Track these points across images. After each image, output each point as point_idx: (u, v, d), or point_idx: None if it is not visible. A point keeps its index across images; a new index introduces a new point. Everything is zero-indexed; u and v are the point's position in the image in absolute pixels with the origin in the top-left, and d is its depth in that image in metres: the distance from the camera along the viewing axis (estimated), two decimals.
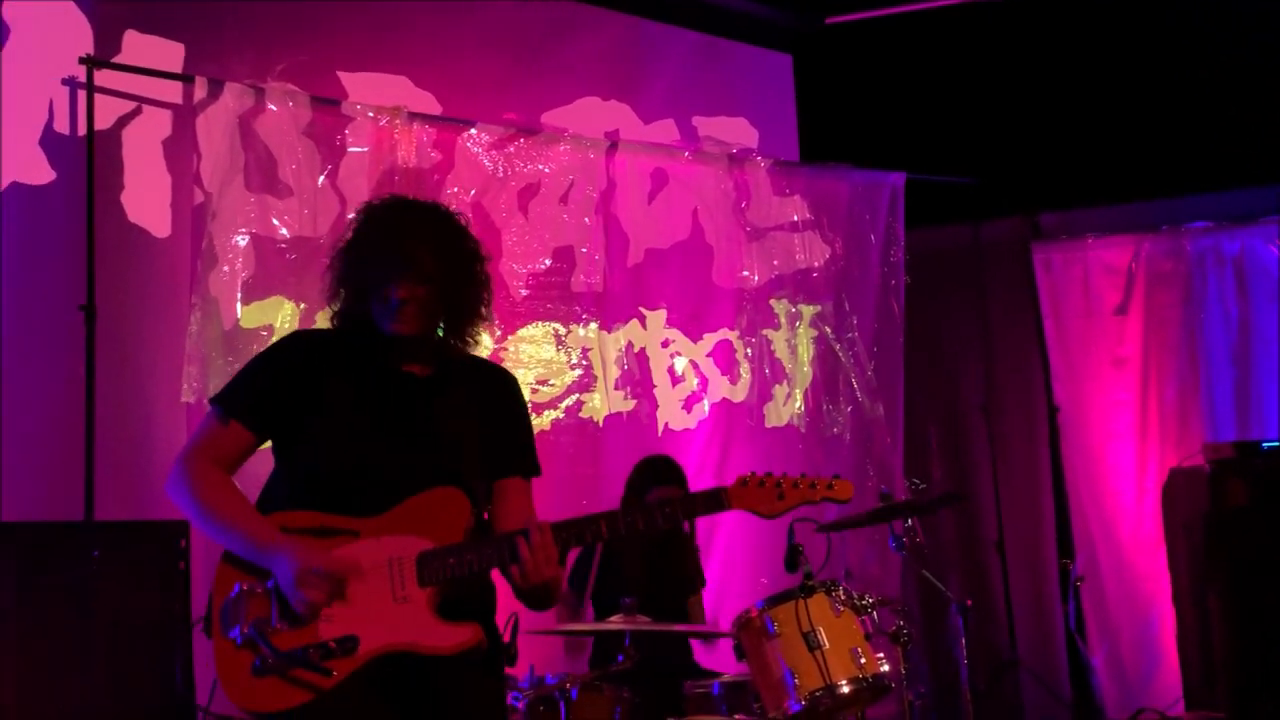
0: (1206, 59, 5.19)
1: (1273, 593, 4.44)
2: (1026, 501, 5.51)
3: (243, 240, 4.19)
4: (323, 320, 2.32)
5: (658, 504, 2.11)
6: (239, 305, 4.16)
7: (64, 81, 4.11)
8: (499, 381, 2.30)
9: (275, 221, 4.25)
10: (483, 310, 2.19)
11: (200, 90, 4.19)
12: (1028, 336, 5.61)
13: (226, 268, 4.15)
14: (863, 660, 3.01)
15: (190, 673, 3.91)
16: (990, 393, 5.46)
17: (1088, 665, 5.33)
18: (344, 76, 4.61)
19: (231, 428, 2.14)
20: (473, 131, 4.65)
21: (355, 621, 2.00)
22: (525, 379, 4.70)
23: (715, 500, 2.13)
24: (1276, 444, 4.81)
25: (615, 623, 3.29)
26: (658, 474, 4.14)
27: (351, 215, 2.25)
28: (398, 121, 4.46)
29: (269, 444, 2.23)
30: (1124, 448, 5.44)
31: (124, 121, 4.23)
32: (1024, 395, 5.61)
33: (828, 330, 5.23)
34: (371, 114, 4.42)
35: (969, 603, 3.85)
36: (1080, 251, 5.60)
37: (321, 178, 4.35)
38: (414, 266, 2.09)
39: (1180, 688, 5.07)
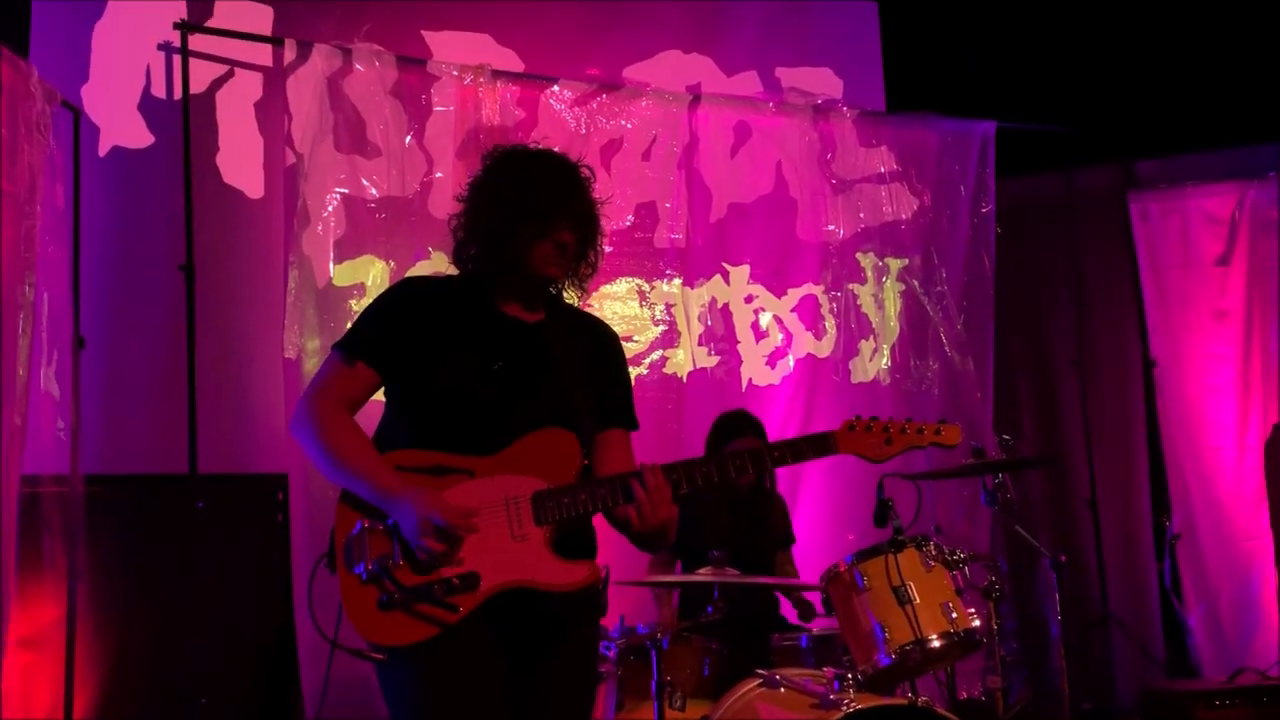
0: None
1: None
2: (1120, 458, 5.37)
3: (334, 200, 4.27)
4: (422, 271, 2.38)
5: (766, 448, 2.16)
6: (331, 264, 4.25)
7: (159, 47, 4.22)
8: (604, 335, 2.36)
9: (364, 182, 4.32)
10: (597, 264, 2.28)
11: (290, 52, 4.26)
12: (1123, 289, 5.44)
13: (319, 227, 4.24)
14: (954, 615, 2.98)
15: (291, 619, 4.06)
16: (1083, 347, 5.32)
17: (1183, 624, 5.22)
18: (428, 35, 4.65)
19: (357, 369, 2.18)
20: (555, 88, 4.65)
21: (476, 558, 2.04)
22: None
23: (823, 444, 2.18)
24: None
25: (704, 575, 3.31)
26: (734, 427, 4.13)
27: (489, 160, 2.28)
28: (481, 80, 4.48)
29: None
30: (1224, 403, 5.26)
31: (217, 85, 4.33)
32: (1118, 349, 5.46)
33: (915, 284, 5.14)
34: (456, 72, 4.45)
35: (1063, 558, 3.79)
36: (1179, 200, 5.39)
37: (408, 137, 4.40)
38: (579, 214, 2.18)
39: None
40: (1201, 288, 5.32)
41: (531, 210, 2.16)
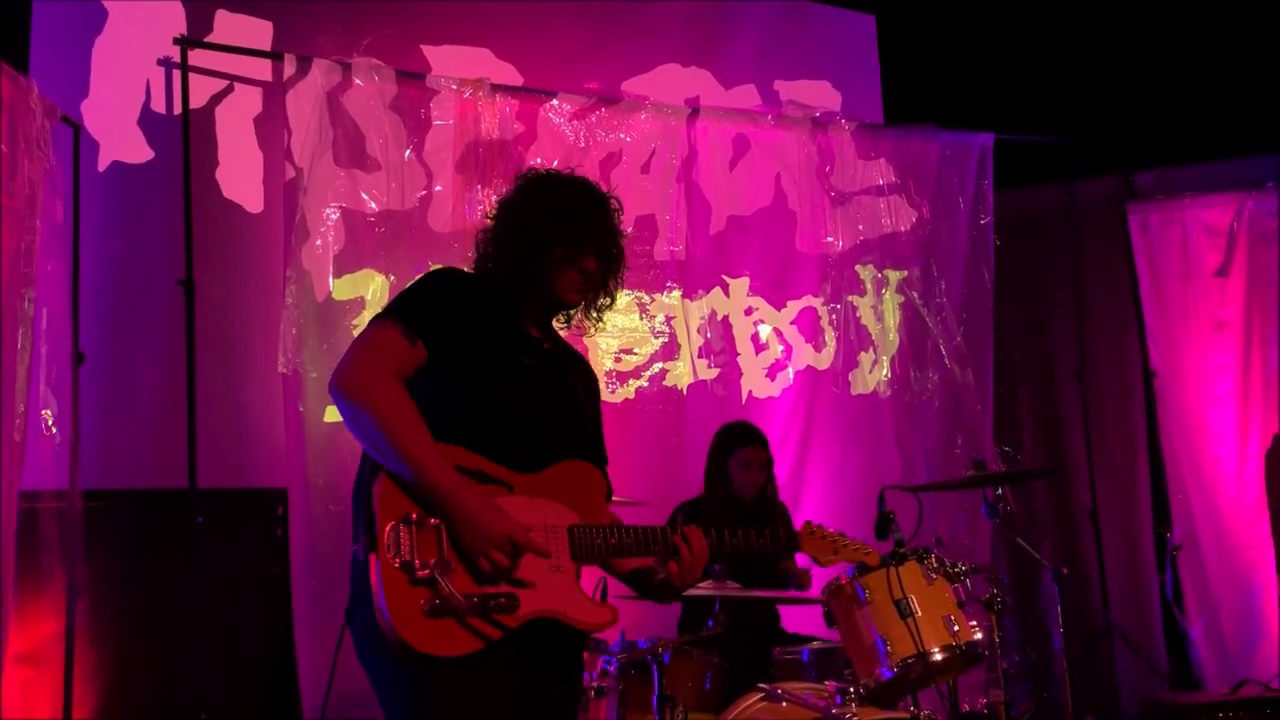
0: None
1: None
2: (1121, 469, 5.37)
3: (333, 214, 4.27)
4: None
5: (758, 530, 2.32)
6: (330, 278, 4.25)
7: (159, 62, 4.23)
8: (590, 369, 2.39)
9: (364, 195, 4.33)
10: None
11: (289, 67, 4.27)
12: (1123, 300, 5.44)
13: (319, 241, 4.24)
14: (956, 628, 2.97)
15: (290, 636, 4.05)
16: (1084, 358, 5.32)
17: (1185, 636, 5.20)
18: (427, 50, 4.66)
19: (416, 348, 2.06)
20: (554, 102, 4.66)
21: (519, 575, 1.99)
22: (609, 348, 4.73)
23: (792, 542, 2.43)
24: None
25: (705, 588, 3.30)
26: (741, 435, 4.13)
27: (524, 182, 2.28)
28: (481, 94, 4.49)
29: None
30: (1224, 413, 5.25)
31: (217, 100, 4.34)
32: (1119, 360, 5.45)
33: (915, 296, 5.14)
34: (455, 86, 4.46)
35: (1065, 570, 3.78)
36: (1178, 211, 5.40)
37: (408, 151, 4.40)
38: (606, 244, 2.21)
39: None
40: (1201, 298, 5.32)
41: (563, 235, 2.17)
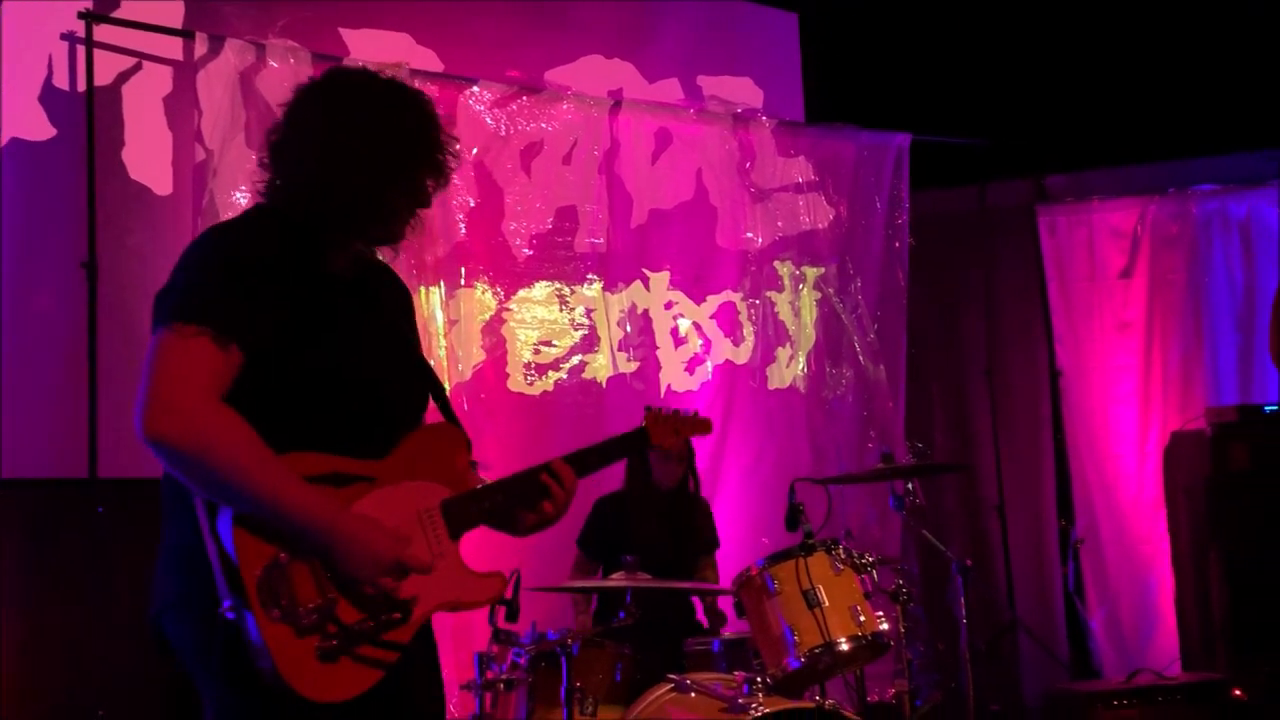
0: (1215, 21, 5.13)
1: (1273, 556, 4.46)
2: (1028, 465, 5.52)
3: (244, 198, 4.16)
4: None
5: (596, 448, 2.13)
6: None
7: (63, 36, 4.08)
8: (394, 280, 2.01)
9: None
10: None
11: (201, 46, 4.16)
12: (1032, 300, 5.59)
13: None
14: (862, 618, 3.02)
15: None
16: (993, 356, 5.45)
17: (1086, 627, 5.37)
18: (345, 33, 4.58)
19: (229, 351, 1.68)
20: (475, 89, 4.62)
21: (411, 586, 1.78)
22: (528, 340, 4.70)
23: (642, 437, 2.25)
24: (1278, 408, 4.81)
25: (616, 580, 3.31)
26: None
27: (335, 83, 1.86)
28: (399, 78, 4.42)
29: None
30: (1126, 412, 5.43)
31: (124, 78, 4.21)
32: (1027, 359, 5.60)
33: (831, 293, 5.21)
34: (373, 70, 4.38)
35: (969, 563, 3.87)
36: (1085, 214, 5.57)
37: None
38: (448, 168, 1.86)
39: (1178, 649, 5.10)
40: (1106, 299, 5.49)
41: (410, 167, 1.80)
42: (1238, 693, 4.21)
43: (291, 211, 1.80)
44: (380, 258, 1.98)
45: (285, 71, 4.26)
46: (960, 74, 5.45)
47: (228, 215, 4.13)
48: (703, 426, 2.36)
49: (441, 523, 1.85)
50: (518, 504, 1.99)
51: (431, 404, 1.99)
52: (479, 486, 1.95)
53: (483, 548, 2.22)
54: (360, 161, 1.78)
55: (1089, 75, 5.38)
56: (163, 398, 1.65)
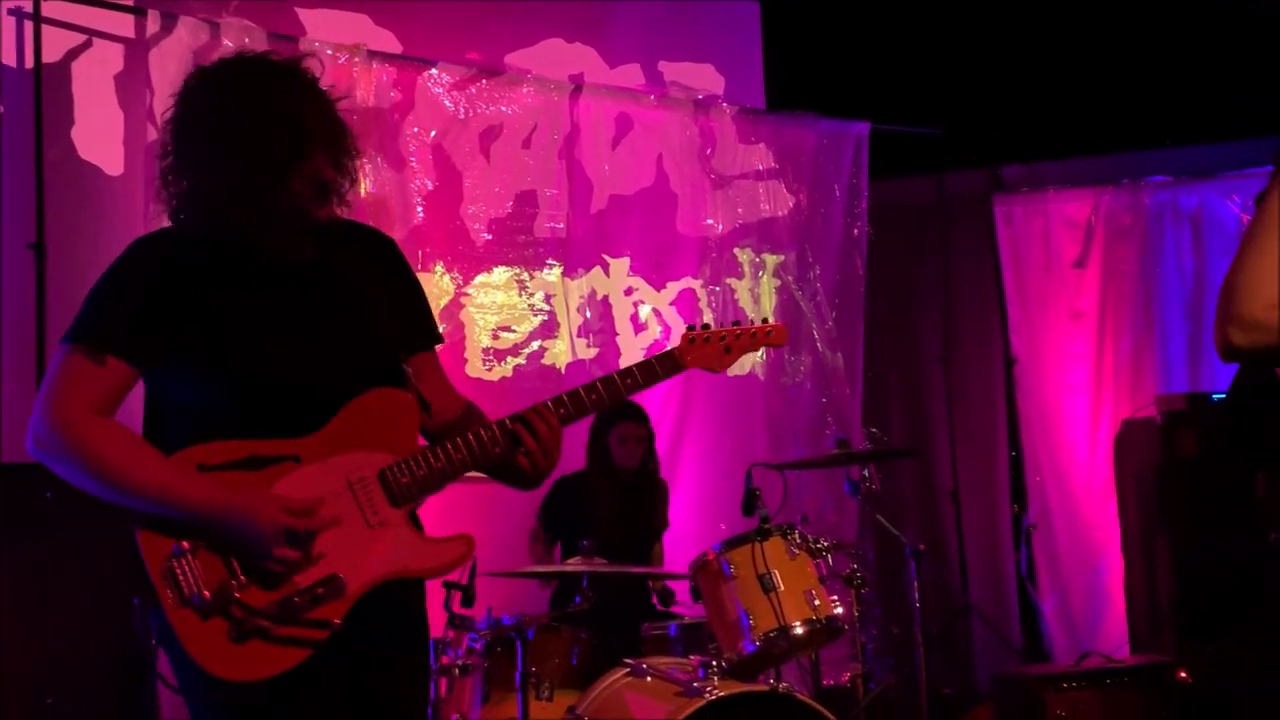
0: (1169, 16, 5.20)
1: (1219, 542, 4.54)
2: (982, 451, 5.59)
3: None
4: None
5: (619, 373, 2.01)
6: None
7: (10, 12, 3.99)
8: (383, 245, 2.01)
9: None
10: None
11: (153, 24, 4.09)
12: (987, 289, 5.65)
13: None
14: (817, 602, 3.05)
15: (147, 616, 3.90)
16: (949, 344, 5.51)
17: (1038, 611, 5.45)
18: (302, 13, 4.52)
19: (108, 365, 1.75)
20: (434, 71, 4.58)
21: (333, 558, 1.76)
22: (486, 325, 4.68)
23: (671, 362, 2.08)
24: (1226, 396, 4.90)
25: (572, 565, 3.31)
26: (619, 410, 4.14)
27: (196, 87, 1.82)
28: (357, 60, 4.38)
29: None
30: (1079, 399, 5.51)
31: (73, 55, 4.13)
32: (982, 347, 5.67)
33: (790, 280, 5.24)
34: (330, 51, 4.34)
35: (921, 547, 3.91)
36: (1041, 204, 5.63)
37: None
38: (332, 140, 1.81)
39: (1126, 633, 5.20)
40: (1060, 289, 5.56)
41: (277, 152, 1.76)
42: (1182, 675, 4.30)
43: (190, 220, 1.82)
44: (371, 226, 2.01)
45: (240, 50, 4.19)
46: (919, 64, 5.48)
47: None
48: (766, 337, 2.15)
49: (379, 490, 1.82)
50: (480, 463, 1.89)
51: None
52: (431, 449, 1.87)
53: (435, 532, 2.20)
54: (209, 161, 1.79)
55: (1046, 67, 5.43)
56: (42, 414, 1.76)
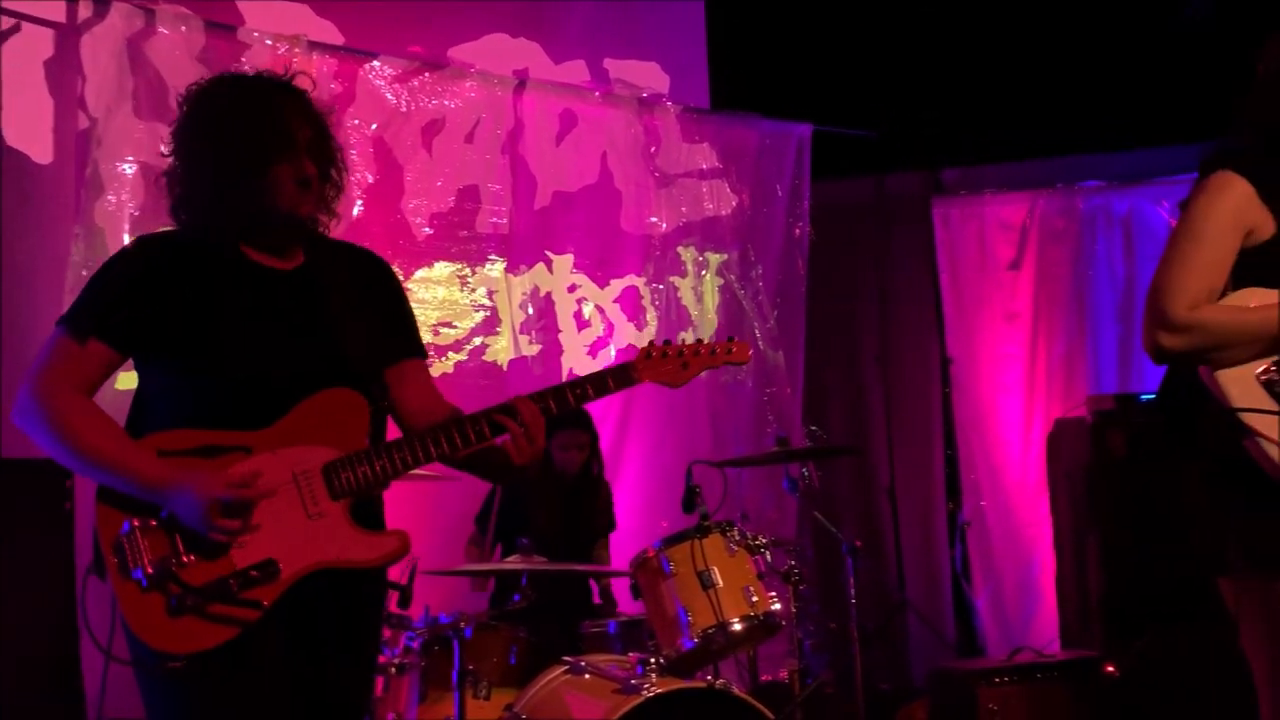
0: (1103, 25, 5.31)
1: (1146, 540, 4.65)
2: (918, 449, 5.67)
3: (130, 169, 4.03)
4: None
5: (569, 384, 2.07)
6: (126, 237, 4.01)
7: None
8: (373, 263, 2.18)
9: (166, 151, 4.08)
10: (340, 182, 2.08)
11: (85, 9, 3.99)
12: (925, 290, 5.73)
13: (113, 197, 3.99)
14: (755, 598, 3.07)
15: (74, 617, 3.80)
16: (888, 344, 5.58)
17: (971, 606, 5.55)
18: (241, 4, 4.43)
19: (90, 348, 1.94)
20: (376, 64, 4.53)
21: (270, 544, 1.88)
22: (427, 321, 4.64)
23: (624, 375, 2.12)
24: (1155, 397, 5.01)
25: (512, 563, 3.30)
26: (560, 417, 4.13)
27: (193, 100, 2.02)
28: (297, 50, 4.31)
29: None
30: (1012, 399, 5.62)
31: (1, 39, 4.00)
32: (920, 347, 5.75)
33: (733, 279, 5.27)
34: (270, 41, 4.27)
35: (858, 544, 3.96)
36: (978, 207, 5.73)
37: None
38: (314, 140, 2.00)
39: (1057, 628, 5.31)
40: (995, 290, 5.66)
41: (264, 152, 1.94)
42: (1110, 669, 4.40)
43: (193, 220, 2.00)
44: (367, 251, 2.19)
45: (176, 39, 4.11)
46: (860, 67, 5.54)
47: (113, 186, 3.99)
48: (727, 355, 2.19)
49: (321, 483, 1.93)
50: (429, 456, 1.97)
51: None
52: (377, 450, 1.97)
53: None
54: (210, 167, 1.97)
55: (984, 73, 5.52)
56: (28, 386, 1.95)
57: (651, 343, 2.18)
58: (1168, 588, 4.22)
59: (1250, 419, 2.02)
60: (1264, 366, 2.06)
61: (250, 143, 1.95)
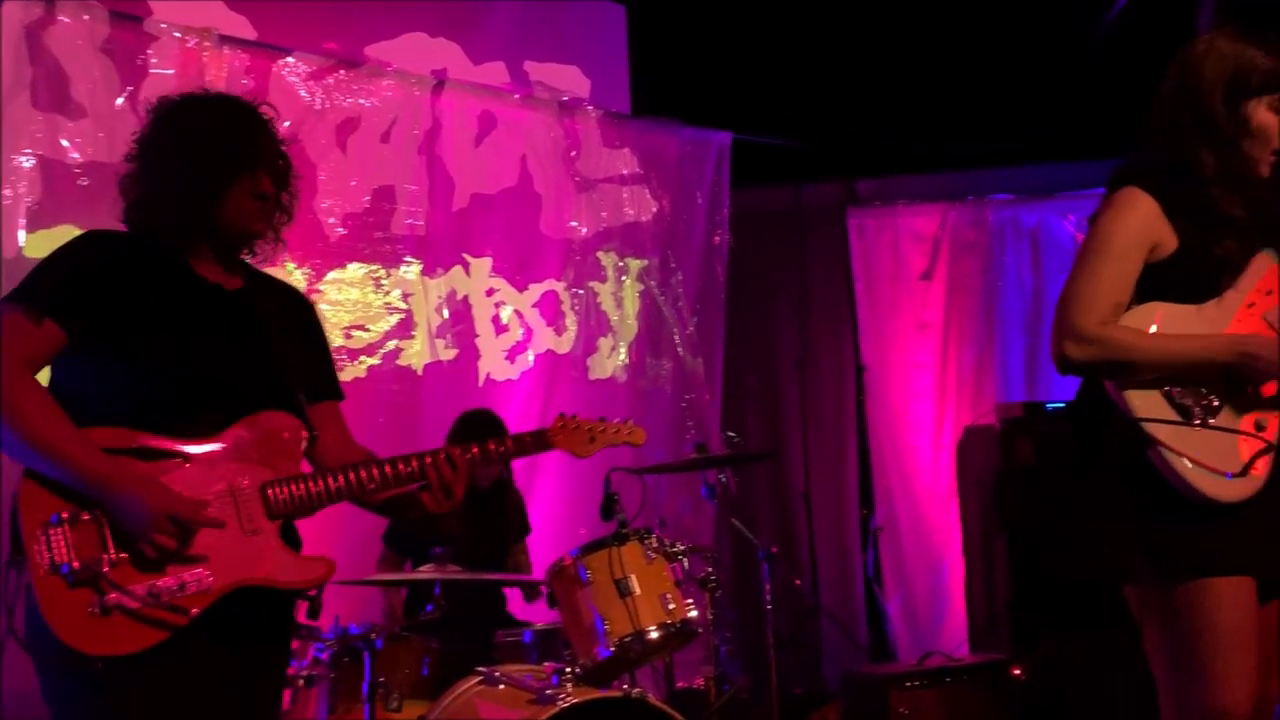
0: (1014, 42, 5.45)
1: (1051, 545, 4.77)
2: (833, 455, 5.74)
3: (28, 162, 3.87)
4: None
5: (496, 441, 2.18)
6: (22, 232, 3.84)
7: None
8: (302, 302, 2.26)
9: (65, 143, 3.94)
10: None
11: None
12: (841, 298, 5.82)
13: (9, 191, 3.83)
14: (671, 606, 3.06)
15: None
16: (805, 351, 5.64)
17: (883, 611, 5.63)
18: None
19: (45, 328, 1.90)
20: (289, 60, 4.42)
21: (204, 554, 1.87)
22: (339, 323, 4.54)
23: (541, 440, 2.29)
24: (1061, 405, 5.16)
25: (425, 572, 3.24)
26: (478, 431, 4.07)
27: (163, 110, 2.06)
28: (207, 44, 4.19)
29: None
30: (923, 407, 5.73)
31: None
32: (835, 355, 5.83)
33: (653, 285, 5.27)
34: (178, 34, 4.14)
35: (774, 550, 3.98)
36: (891, 218, 5.83)
37: (120, 99, 4.04)
38: (276, 161, 2.06)
39: (966, 632, 5.42)
40: (908, 299, 5.77)
41: (227, 161, 1.99)
42: (1016, 672, 4.51)
43: (148, 228, 2.02)
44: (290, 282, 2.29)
45: (78, 28, 3.96)
46: (780, 77, 5.59)
47: (9, 179, 3.82)
48: (629, 435, 2.41)
49: (259, 501, 1.95)
50: (360, 491, 2.05)
51: None
52: (313, 475, 2.02)
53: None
54: (175, 173, 1.99)
55: (899, 86, 5.62)
56: None
57: (562, 414, 2.33)
58: (1072, 593, 4.34)
59: (1153, 429, 2.08)
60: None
61: (220, 154, 1.99)
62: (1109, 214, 2.18)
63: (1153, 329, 2.13)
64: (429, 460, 2.07)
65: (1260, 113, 2.14)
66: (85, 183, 3.95)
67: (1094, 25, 5.20)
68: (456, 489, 2.08)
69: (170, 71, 4.12)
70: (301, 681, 3.15)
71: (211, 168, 1.98)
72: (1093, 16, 5.21)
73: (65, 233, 3.92)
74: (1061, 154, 5.55)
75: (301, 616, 3.07)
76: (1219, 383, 2.10)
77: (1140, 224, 2.14)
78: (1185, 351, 2.09)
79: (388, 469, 2.06)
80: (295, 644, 3.18)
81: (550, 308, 5.06)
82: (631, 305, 5.23)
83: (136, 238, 2.03)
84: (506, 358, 4.98)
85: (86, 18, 3.97)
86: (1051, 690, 4.42)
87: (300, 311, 2.21)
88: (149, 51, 4.11)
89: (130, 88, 4.06)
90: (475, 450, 2.13)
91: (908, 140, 5.69)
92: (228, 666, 1.93)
